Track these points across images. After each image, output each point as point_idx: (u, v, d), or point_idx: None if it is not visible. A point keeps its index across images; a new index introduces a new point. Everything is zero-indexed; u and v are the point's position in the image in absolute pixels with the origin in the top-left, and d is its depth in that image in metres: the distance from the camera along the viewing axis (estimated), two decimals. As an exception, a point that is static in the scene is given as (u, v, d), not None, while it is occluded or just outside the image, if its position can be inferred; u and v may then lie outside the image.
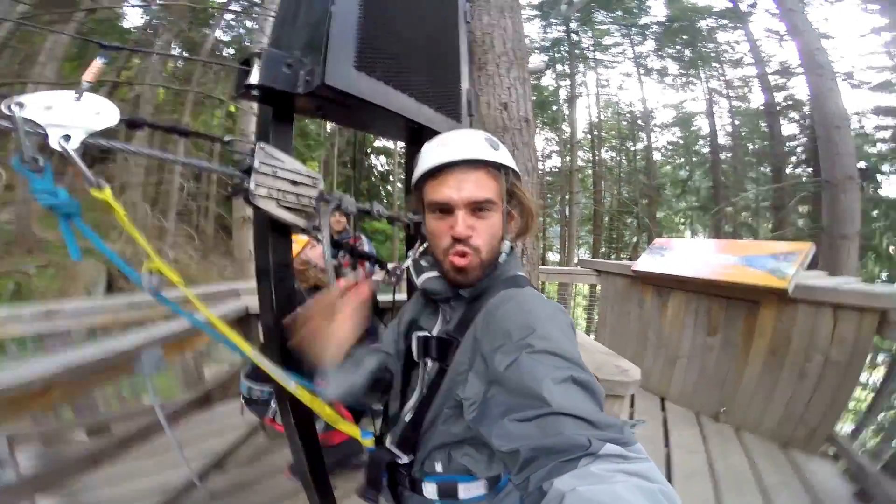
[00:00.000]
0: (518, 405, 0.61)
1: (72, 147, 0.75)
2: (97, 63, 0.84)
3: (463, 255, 0.81)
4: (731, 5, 12.93)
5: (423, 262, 0.92)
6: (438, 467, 0.83)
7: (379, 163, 21.27)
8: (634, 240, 18.03)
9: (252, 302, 2.71)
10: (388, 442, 0.91)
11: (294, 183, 1.09)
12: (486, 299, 0.82)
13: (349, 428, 1.00)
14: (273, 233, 1.14)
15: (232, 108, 12.87)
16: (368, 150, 19.94)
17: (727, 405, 3.12)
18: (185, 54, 12.71)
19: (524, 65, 1.91)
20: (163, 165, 11.36)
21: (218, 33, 13.15)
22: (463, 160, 0.81)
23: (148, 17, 12.05)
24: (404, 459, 0.86)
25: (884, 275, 10.96)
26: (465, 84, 1.60)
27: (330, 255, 1.08)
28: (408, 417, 0.88)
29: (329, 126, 16.65)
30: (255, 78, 0.96)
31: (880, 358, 3.08)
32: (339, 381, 0.85)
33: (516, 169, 0.88)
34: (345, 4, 1.06)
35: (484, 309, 0.80)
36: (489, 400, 0.68)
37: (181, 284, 0.91)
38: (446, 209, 0.82)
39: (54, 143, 0.73)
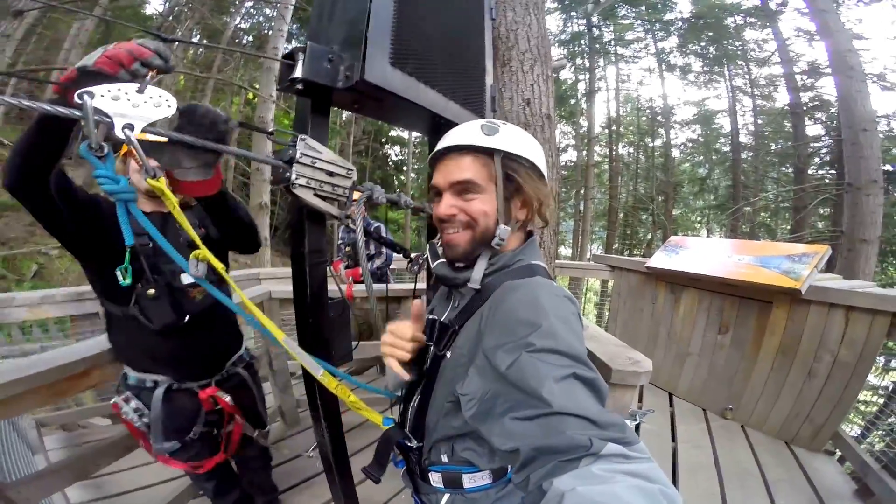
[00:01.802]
0: (519, 404, 0.61)
1: (134, 136, 0.80)
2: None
3: (449, 230, 0.86)
4: (759, 3, 12.59)
5: (439, 249, 0.94)
6: (444, 458, 0.86)
7: (393, 152, 21.34)
8: (649, 237, 17.86)
9: (273, 286, 2.81)
10: (406, 426, 0.95)
11: (330, 174, 1.16)
12: (495, 287, 0.82)
13: (371, 415, 1.03)
14: (308, 220, 1.21)
15: (250, 96, 13.00)
16: (383, 140, 20.01)
17: (735, 402, 3.15)
18: (212, 43, 12.89)
19: (548, 62, 1.95)
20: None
21: (238, 21, 13.26)
22: (451, 146, 0.85)
23: (170, 4, 12.21)
24: (414, 444, 0.89)
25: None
26: (489, 80, 1.65)
27: (363, 244, 1.15)
28: (415, 403, 0.92)
29: (345, 114, 16.75)
30: (299, 72, 1.02)
31: (894, 363, 3.08)
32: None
33: (519, 153, 0.83)
34: (381, 1, 1.11)
35: (491, 298, 0.80)
36: (490, 398, 0.68)
37: (223, 271, 0.98)
38: (437, 193, 0.88)
39: (119, 132, 0.78)
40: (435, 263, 0.93)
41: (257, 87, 9.87)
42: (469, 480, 0.84)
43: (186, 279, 1.38)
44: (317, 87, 1.08)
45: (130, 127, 0.80)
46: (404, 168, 20.42)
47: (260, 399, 1.70)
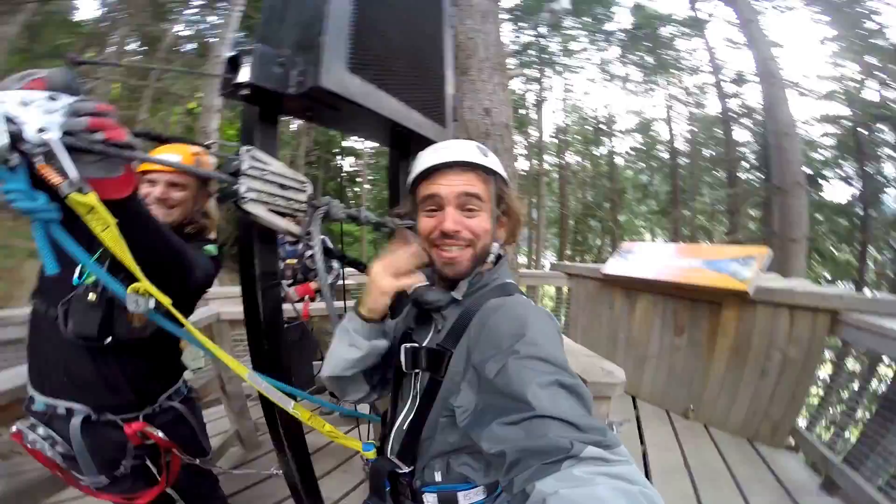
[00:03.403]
0: (506, 409, 0.62)
1: (51, 138, 0.67)
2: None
3: (452, 248, 0.86)
4: (692, 14, 13.51)
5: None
6: (438, 476, 0.84)
7: (347, 163, 20.94)
8: (598, 242, 18.57)
9: (221, 307, 2.60)
10: (388, 452, 0.92)
11: (282, 187, 1.05)
12: (477, 307, 0.84)
13: (349, 441, 1.01)
14: (259, 239, 1.09)
15: (191, 106, 12.34)
16: (336, 151, 19.60)
17: (695, 402, 3.23)
18: (147, 59, 12.14)
19: (504, 70, 1.93)
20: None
21: (180, 28, 12.60)
22: (454, 161, 0.86)
23: (105, 10, 11.41)
24: (404, 469, 0.86)
25: (826, 275, 11.78)
26: (449, 89, 1.60)
27: (322, 263, 1.04)
28: (405, 427, 0.89)
29: (295, 124, 16.27)
30: (244, 76, 0.92)
31: (828, 355, 3.28)
32: (366, 335, 0.90)
33: (505, 176, 0.92)
34: (338, 3, 1.03)
35: (476, 318, 0.82)
36: (482, 409, 0.70)
37: (169, 306, 0.87)
38: (437, 206, 0.87)
39: (31, 134, 0.66)
40: (412, 288, 0.91)
41: (201, 96, 9.37)
42: (464, 498, 0.83)
43: None
44: (265, 93, 0.97)
45: (42, 130, 0.67)
46: (358, 179, 20.07)
47: (200, 431, 1.52)
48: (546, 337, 0.72)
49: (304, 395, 0.98)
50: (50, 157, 0.68)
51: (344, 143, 19.22)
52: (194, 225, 1.38)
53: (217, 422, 2.81)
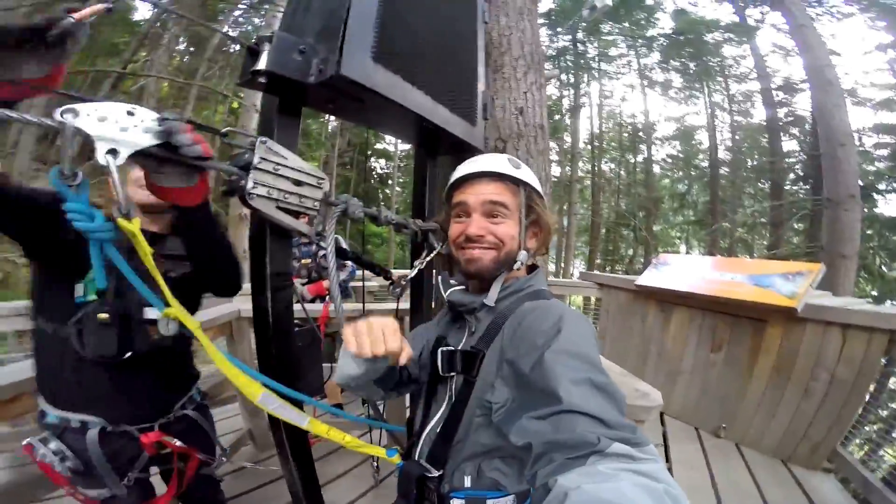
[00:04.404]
0: (537, 403, 0.64)
1: (117, 163, 0.72)
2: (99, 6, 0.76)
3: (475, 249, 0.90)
4: (738, 19, 12.96)
5: (452, 280, 1.00)
6: (467, 482, 0.83)
7: (378, 165, 21.19)
8: (631, 252, 18.04)
9: (244, 304, 2.61)
10: (416, 455, 0.92)
11: (297, 183, 1.01)
12: (511, 311, 0.87)
13: (372, 449, 1.03)
14: (272, 236, 1.05)
15: (234, 105, 12.77)
16: (369, 153, 19.87)
17: (728, 421, 3.08)
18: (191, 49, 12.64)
19: (541, 70, 1.85)
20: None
21: (226, 29, 13.05)
22: (485, 171, 0.92)
23: (157, 10, 11.97)
24: (434, 473, 0.86)
25: (874, 293, 11.01)
26: (481, 85, 1.53)
27: (334, 265, 1.00)
28: (438, 430, 0.90)
29: (331, 125, 16.57)
30: (263, 63, 0.88)
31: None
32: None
33: (538, 188, 0.96)
34: (363, -8, 0.98)
35: (510, 319, 0.85)
36: (516, 404, 0.72)
37: (198, 331, 0.91)
38: (465, 212, 0.93)
39: (101, 156, 0.70)
40: (448, 291, 0.96)
41: (242, 96, 9.65)
42: None
43: (151, 314, 1.18)
44: (285, 82, 0.94)
45: (114, 153, 0.72)
46: (389, 182, 20.26)
47: (214, 436, 1.52)
48: (582, 336, 0.73)
49: (311, 402, 0.94)
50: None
51: (377, 146, 19.51)
52: None
53: (230, 420, 2.83)
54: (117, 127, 0.72)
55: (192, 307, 1.41)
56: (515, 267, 0.91)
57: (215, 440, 1.51)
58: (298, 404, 1.08)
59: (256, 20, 12.93)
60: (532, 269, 0.99)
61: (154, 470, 1.36)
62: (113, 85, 11.01)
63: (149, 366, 1.24)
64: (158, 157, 0.78)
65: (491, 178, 0.91)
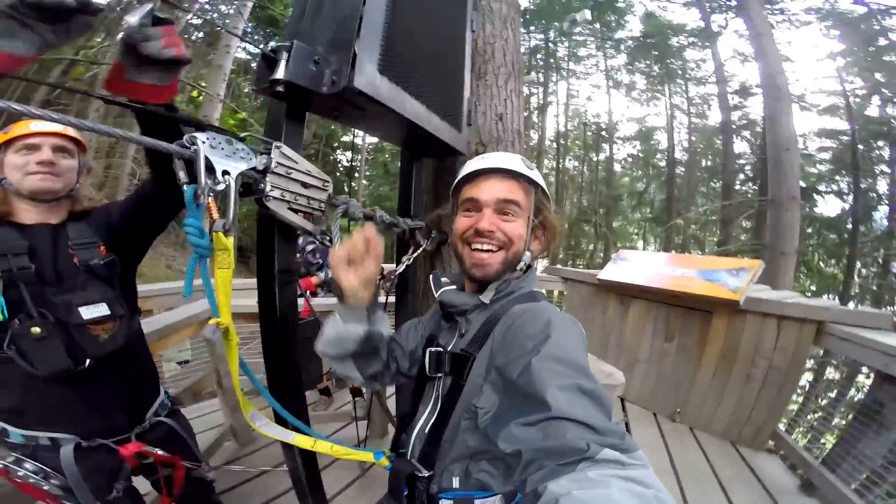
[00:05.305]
0: (525, 410, 0.63)
1: (230, 183, 0.83)
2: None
3: (482, 248, 0.89)
4: (703, 24, 13.57)
5: (444, 279, 1.00)
6: (455, 482, 0.83)
7: (344, 158, 20.81)
8: (591, 247, 18.66)
9: (234, 300, 2.61)
10: (408, 455, 0.93)
11: (305, 185, 1.08)
12: (502, 313, 0.86)
13: (362, 455, 1.04)
14: (280, 236, 1.11)
15: (194, 94, 12.19)
16: (335, 145, 19.49)
17: (682, 406, 3.32)
18: None
19: (520, 77, 1.96)
20: (113, 148, 10.62)
21: (190, 17, 12.42)
22: (499, 168, 0.90)
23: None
24: (424, 473, 0.87)
25: (813, 287, 11.97)
26: (466, 92, 1.63)
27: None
28: (426, 431, 0.90)
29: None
30: (281, 73, 0.93)
31: (809, 363, 3.39)
32: (355, 319, 0.93)
33: (546, 190, 0.96)
34: (373, 4, 1.05)
35: (500, 323, 0.84)
36: (503, 410, 0.72)
37: (234, 338, 0.93)
38: (476, 208, 0.91)
39: (221, 178, 0.82)
40: (440, 291, 0.96)
41: (203, 84, 9.27)
42: None
43: (88, 313, 1.10)
44: (297, 90, 0.99)
45: (226, 174, 0.84)
46: (356, 175, 19.98)
47: (192, 441, 1.49)
48: (570, 341, 0.72)
49: (301, 426, 1.04)
50: (220, 195, 0.83)
51: (343, 138, 19.14)
52: (80, 203, 1.29)
53: (211, 415, 2.82)
54: (223, 153, 0.85)
55: (133, 264, 1.37)
56: (519, 268, 0.91)
57: (193, 444, 1.48)
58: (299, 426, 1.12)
59: (223, 7, 12.38)
60: (527, 269, 0.96)
61: (140, 479, 1.33)
62: (63, 72, 10.28)
63: (112, 371, 1.20)
64: (140, 56, 0.81)
65: (504, 175, 0.90)
